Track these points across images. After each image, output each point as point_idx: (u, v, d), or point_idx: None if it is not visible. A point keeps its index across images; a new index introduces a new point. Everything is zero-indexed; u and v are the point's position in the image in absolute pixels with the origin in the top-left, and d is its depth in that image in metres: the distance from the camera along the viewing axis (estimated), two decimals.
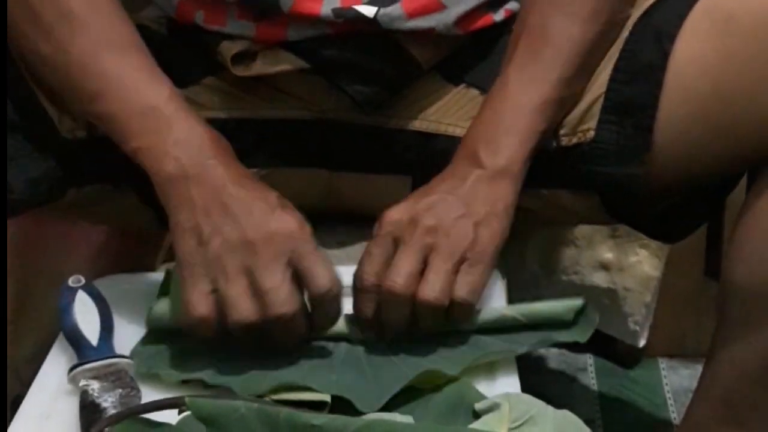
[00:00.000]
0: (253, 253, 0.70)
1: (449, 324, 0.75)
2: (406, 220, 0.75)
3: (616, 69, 0.80)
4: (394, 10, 0.80)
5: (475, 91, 0.85)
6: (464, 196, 0.75)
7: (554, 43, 0.78)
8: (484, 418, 0.68)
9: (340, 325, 0.76)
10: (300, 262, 0.71)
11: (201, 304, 0.71)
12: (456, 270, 0.73)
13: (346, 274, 0.87)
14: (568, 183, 0.84)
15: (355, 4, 0.80)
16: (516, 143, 0.77)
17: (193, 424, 0.65)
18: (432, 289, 0.72)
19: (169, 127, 0.75)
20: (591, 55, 0.80)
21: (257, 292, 0.70)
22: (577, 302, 0.80)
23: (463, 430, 0.67)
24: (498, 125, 0.77)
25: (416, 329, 0.74)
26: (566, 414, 0.70)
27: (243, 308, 0.70)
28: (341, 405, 0.70)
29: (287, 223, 0.72)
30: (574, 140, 0.81)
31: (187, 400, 0.65)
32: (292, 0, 0.79)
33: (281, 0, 0.80)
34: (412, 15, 0.80)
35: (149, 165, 0.74)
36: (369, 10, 0.80)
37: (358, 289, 0.75)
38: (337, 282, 0.72)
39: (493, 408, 0.69)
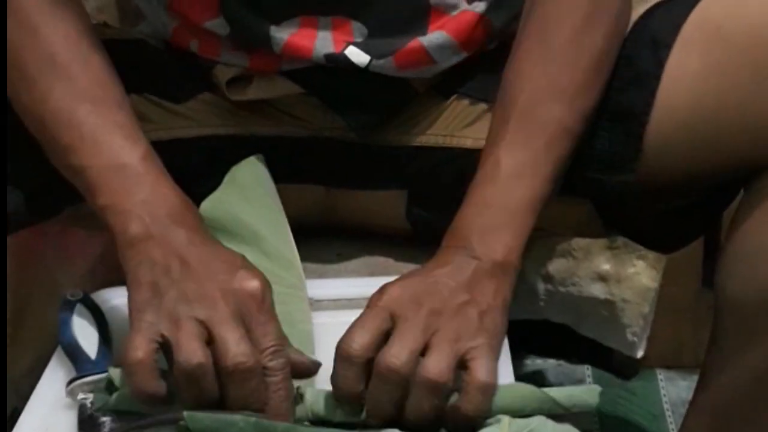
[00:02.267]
0: (211, 307, 0.67)
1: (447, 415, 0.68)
2: (407, 297, 0.70)
3: (611, 76, 0.80)
4: (385, 63, 0.80)
5: (466, 101, 0.85)
6: (466, 285, 0.71)
7: (545, 132, 0.75)
8: (483, 431, 0.68)
9: (320, 404, 0.69)
10: (249, 323, 0.67)
11: (140, 348, 0.65)
12: (459, 356, 0.67)
13: (344, 287, 0.88)
14: (561, 190, 0.84)
15: (348, 42, 0.80)
16: (510, 240, 0.73)
17: None
18: (435, 367, 0.66)
19: (138, 187, 0.72)
20: (576, 143, 0.78)
21: (212, 340, 0.66)
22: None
23: None
24: (491, 220, 0.74)
25: (403, 418, 0.67)
26: (567, 428, 0.69)
27: (191, 350, 0.65)
28: None
29: (249, 282, 0.68)
30: None
31: (185, 414, 0.65)
32: (283, 41, 0.80)
33: (272, 41, 0.80)
34: (402, 68, 0.81)
35: (113, 223, 0.72)
36: (360, 59, 0.80)
37: (344, 358, 0.67)
38: (281, 356, 0.67)
39: (492, 420, 0.68)
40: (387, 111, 0.84)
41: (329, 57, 0.80)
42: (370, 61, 0.80)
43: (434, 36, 0.81)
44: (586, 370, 1.33)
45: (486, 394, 0.66)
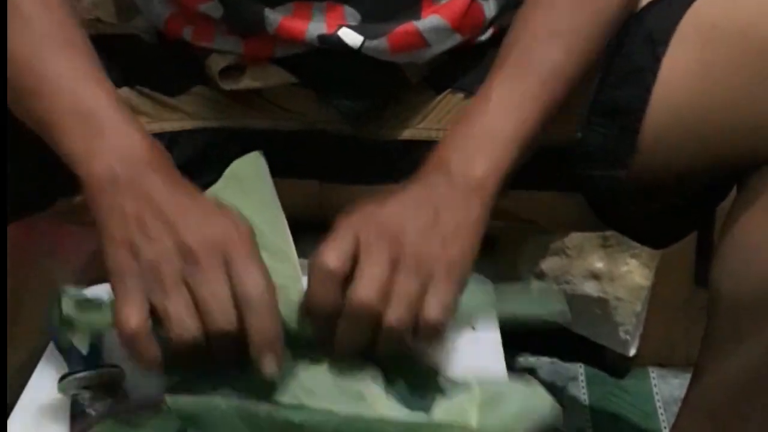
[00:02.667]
0: (192, 262, 0.65)
1: (412, 349, 0.68)
2: (371, 222, 0.68)
3: (606, 71, 0.80)
4: (379, 43, 0.80)
5: (460, 94, 0.85)
6: (434, 205, 0.70)
7: (540, 71, 0.76)
8: (455, 399, 0.68)
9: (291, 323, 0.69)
10: (231, 266, 0.65)
11: (132, 317, 0.64)
12: (422, 289, 0.67)
13: None
14: (554, 184, 0.84)
15: (341, 25, 0.80)
16: (490, 164, 0.72)
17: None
18: (397, 313, 0.65)
19: (103, 133, 0.70)
20: (570, 88, 0.77)
21: (198, 305, 0.65)
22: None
23: (434, 424, 0.66)
24: (475, 143, 0.73)
25: (374, 352, 0.67)
26: (536, 390, 0.70)
27: (185, 324, 0.64)
28: None
29: (225, 226, 0.67)
30: (563, 138, 0.82)
31: (167, 398, 0.65)
32: (277, 22, 0.79)
33: (266, 21, 0.80)
34: (396, 50, 0.81)
35: (79, 169, 0.69)
36: (354, 40, 0.80)
37: (322, 274, 0.66)
38: (268, 289, 0.66)
39: (462, 389, 0.69)
40: (380, 100, 0.84)
41: (322, 38, 0.80)
42: (363, 42, 0.79)
43: (428, 20, 0.80)
44: (579, 368, 1.33)
45: (435, 332, 0.66)
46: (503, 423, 0.66)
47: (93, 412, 0.72)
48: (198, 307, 0.64)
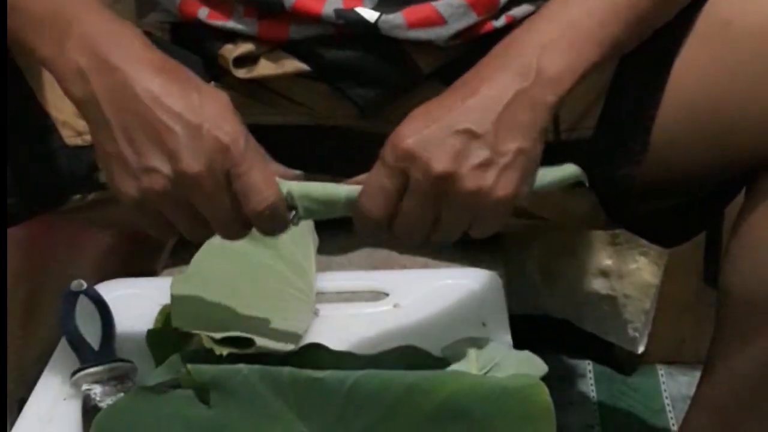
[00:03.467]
0: (192, 187, 0.65)
1: None
2: (421, 156, 0.65)
3: (619, 67, 0.80)
4: (395, 18, 0.80)
5: None
6: (494, 129, 0.65)
7: None
8: (454, 366, 0.71)
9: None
10: (234, 181, 0.65)
11: (158, 232, 0.68)
12: (468, 225, 0.67)
13: (348, 279, 0.88)
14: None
15: (358, 6, 0.80)
16: (573, 57, 0.68)
17: None
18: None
19: (70, 28, 0.67)
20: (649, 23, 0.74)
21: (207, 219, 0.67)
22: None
23: (453, 373, 0.68)
24: (553, 34, 0.68)
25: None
26: (527, 355, 0.73)
27: (192, 234, 0.68)
28: None
29: (216, 140, 0.65)
30: (574, 136, 0.82)
31: (189, 367, 0.65)
32: None
33: None
34: (412, 25, 0.81)
35: (57, 78, 0.67)
36: (371, 15, 0.80)
37: (362, 222, 0.67)
38: (273, 194, 0.66)
39: (460, 356, 0.71)
40: (392, 89, 0.84)
41: (338, 12, 0.79)
42: (380, 16, 0.79)
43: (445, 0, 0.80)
44: (588, 365, 1.33)
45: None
46: None
47: (105, 407, 0.72)
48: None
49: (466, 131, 0.65)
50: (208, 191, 0.65)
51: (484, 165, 0.65)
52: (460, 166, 0.65)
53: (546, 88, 0.67)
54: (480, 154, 0.65)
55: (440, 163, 0.65)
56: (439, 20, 0.81)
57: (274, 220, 0.67)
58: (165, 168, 0.65)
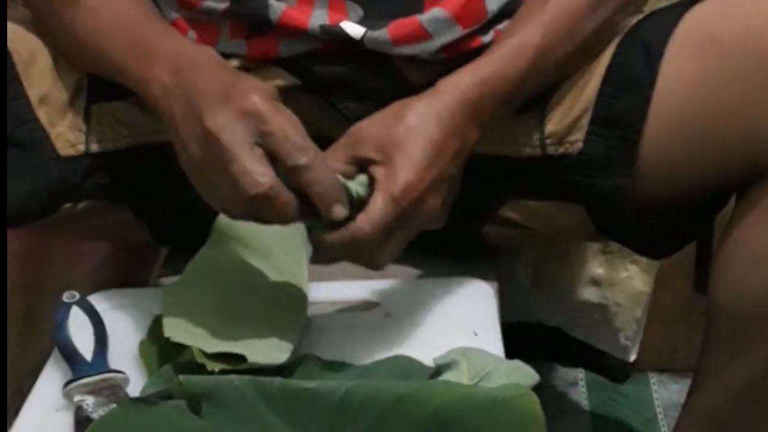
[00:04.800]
0: (215, 143, 0.70)
1: None
2: (427, 202, 0.75)
3: (605, 82, 0.80)
4: (380, 35, 0.81)
5: None
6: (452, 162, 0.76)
7: (549, 7, 0.79)
8: (445, 375, 0.71)
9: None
10: (267, 144, 0.70)
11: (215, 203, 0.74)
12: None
13: (341, 289, 0.88)
14: (554, 194, 0.85)
15: (343, 21, 0.80)
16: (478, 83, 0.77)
17: None
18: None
19: (153, 51, 0.76)
20: (576, 30, 0.80)
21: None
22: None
23: (444, 383, 0.69)
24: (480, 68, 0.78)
25: None
26: (518, 364, 0.74)
27: (229, 199, 0.71)
28: None
29: (249, 104, 0.70)
30: (561, 150, 0.82)
31: (181, 378, 0.66)
32: (280, 10, 0.80)
33: (270, 9, 0.80)
34: (397, 41, 0.81)
35: (144, 96, 0.76)
36: (356, 31, 0.81)
37: (355, 246, 0.73)
38: (309, 150, 0.70)
39: (452, 366, 0.72)
40: (383, 103, 0.84)
41: (324, 28, 0.80)
42: (365, 33, 0.80)
43: (429, 12, 0.81)
44: (580, 373, 1.33)
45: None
46: None
47: (97, 418, 0.72)
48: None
49: (449, 177, 0.76)
50: (228, 142, 0.69)
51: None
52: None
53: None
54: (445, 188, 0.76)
55: (436, 206, 0.75)
56: (424, 35, 0.81)
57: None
58: (198, 131, 0.71)
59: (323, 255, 0.75)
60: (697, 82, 0.77)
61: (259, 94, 0.71)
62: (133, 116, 0.85)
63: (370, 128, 0.76)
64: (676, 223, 0.88)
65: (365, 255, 0.74)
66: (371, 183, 0.74)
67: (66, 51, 0.83)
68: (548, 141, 0.82)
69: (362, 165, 0.75)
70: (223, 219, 0.84)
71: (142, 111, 0.85)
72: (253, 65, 0.83)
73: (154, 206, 0.91)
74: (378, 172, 0.74)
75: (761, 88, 0.74)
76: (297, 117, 0.72)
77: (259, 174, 0.69)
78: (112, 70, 0.79)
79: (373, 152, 0.74)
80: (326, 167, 0.71)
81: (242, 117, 0.70)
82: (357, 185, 0.73)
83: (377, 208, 0.72)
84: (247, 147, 0.69)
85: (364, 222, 0.72)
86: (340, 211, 0.71)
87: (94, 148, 0.85)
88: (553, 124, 0.82)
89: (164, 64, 0.75)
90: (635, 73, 0.79)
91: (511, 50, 0.78)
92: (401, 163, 0.73)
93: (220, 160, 0.70)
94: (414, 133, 0.75)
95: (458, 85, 0.77)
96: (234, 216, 0.73)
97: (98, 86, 0.85)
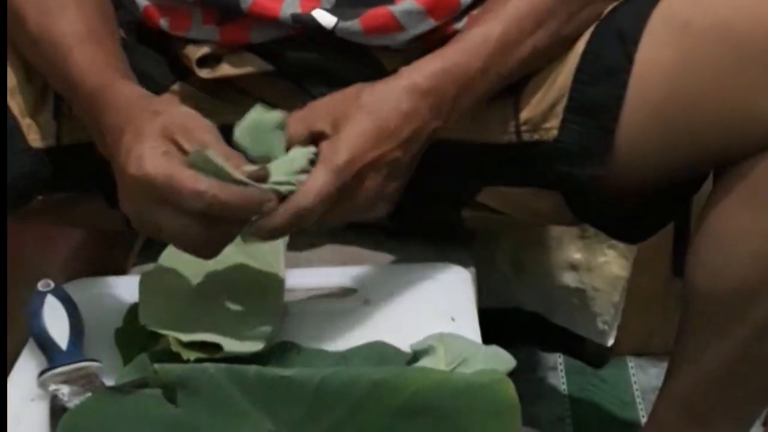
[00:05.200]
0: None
1: None
2: (368, 176, 0.74)
3: (579, 69, 0.80)
4: (352, 25, 0.80)
5: None
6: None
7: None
8: (422, 361, 0.71)
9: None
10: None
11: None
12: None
13: (316, 276, 0.88)
14: (531, 181, 0.85)
15: (315, 8, 0.80)
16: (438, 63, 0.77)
17: None
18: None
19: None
20: (543, 23, 0.79)
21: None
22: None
23: (420, 369, 0.69)
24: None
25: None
26: (495, 350, 0.73)
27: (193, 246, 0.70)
28: None
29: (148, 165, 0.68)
30: (536, 137, 0.82)
31: (156, 366, 0.65)
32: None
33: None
34: (369, 32, 0.81)
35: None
36: (328, 21, 0.80)
37: (296, 217, 0.72)
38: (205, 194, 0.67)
39: (429, 351, 0.72)
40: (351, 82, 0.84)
41: (296, 17, 0.80)
42: (337, 23, 0.80)
43: (402, 3, 0.81)
44: (558, 358, 1.34)
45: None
46: None
47: (73, 407, 0.72)
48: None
49: (395, 160, 0.75)
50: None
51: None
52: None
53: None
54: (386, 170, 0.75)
55: (374, 187, 0.75)
56: (396, 27, 0.81)
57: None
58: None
59: (267, 232, 0.72)
60: (673, 69, 0.77)
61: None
62: None
63: (327, 103, 0.76)
64: (652, 208, 0.88)
65: (305, 225, 0.73)
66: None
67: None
68: (523, 128, 0.82)
69: (315, 138, 0.74)
70: None
71: None
72: (226, 51, 0.83)
73: None
74: (323, 145, 0.74)
75: (736, 73, 0.75)
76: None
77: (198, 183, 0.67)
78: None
79: (325, 125, 0.74)
80: (227, 191, 0.68)
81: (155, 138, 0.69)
82: (302, 156, 0.73)
83: (317, 179, 0.71)
84: (177, 166, 0.68)
85: (303, 195, 0.71)
86: (269, 206, 0.70)
87: (66, 140, 0.85)
88: (528, 111, 0.82)
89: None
90: (610, 61, 0.79)
91: (474, 42, 0.78)
92: (345, 137, 0.73)
93: (157, 196, 0.68)
94: (365, 110, 0.74)
95: (419, 71, 0.76)
96: (206, 252, 0.72)
97: None
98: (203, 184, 0.66)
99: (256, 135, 0.74)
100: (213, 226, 0.68)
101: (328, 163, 0.72)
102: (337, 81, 0.83)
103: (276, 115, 0.74)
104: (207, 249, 0.71)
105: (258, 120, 0.74)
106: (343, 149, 0.72)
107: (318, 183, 0.71)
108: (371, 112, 0.74)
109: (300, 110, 0.76)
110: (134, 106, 0.73)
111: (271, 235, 0.72)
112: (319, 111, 0.75)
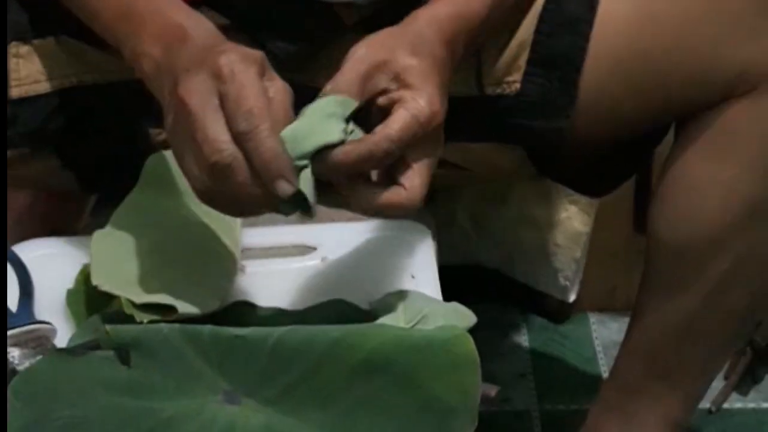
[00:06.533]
0: (185, 113, 0.65)
1: None
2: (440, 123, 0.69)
3: (541, 21, 0.79)
4: None
5: None
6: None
7: None
8: (382, 319, 0.71)
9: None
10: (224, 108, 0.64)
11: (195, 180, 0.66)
12: None
13: (275, 235, 0.87)
14: (493, 136, 0.84)
15: None
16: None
17: None
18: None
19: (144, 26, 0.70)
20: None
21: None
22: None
23: (378, 326, 0.68)
24: None
25: None
26: (455, 306, 0.73)
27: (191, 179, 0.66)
28: None
29: (216, 65, 0.65)
30: (498, 90, 0.81)
31: (107, 328, 0.64)
32: None
33: None
34: None
35: (136, 69, 0.71)
36: None
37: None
38: (254, 118, 0.64)
39: (388, 309, 0.72)
40: (314, 42, 0.82)
41: None
42: None
43: None
44: (520, 315, 1.34)
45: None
46: None
47: (23, 370, 0.70)
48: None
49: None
50: (197, 108, 0.64)
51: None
52: None
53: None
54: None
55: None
56: None
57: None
58: (172, 98, 0.66)
59: (331, 165, 0.66)
60: (635, 20, 0.77)
61: (230, 56, 0.65)
62: (55, 56, 0.82)
63: (370, 58, 0.69)
64: (614, 162, 0.88)
65: (372, 166, 0.67)
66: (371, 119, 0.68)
67: None
68: (485, 81, 0.81)
69: (373, 98, 0.69)
70: (152, 163, 0.82)
71: (63, 50, 0.82)
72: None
73: (81, 153, 0.88)
74: (398, 94, 0.68)
75: (698, 24, 0.75)
76: (288, 87, 0.67)
77: (222, 141, 0.63)
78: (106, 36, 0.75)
79: (385, 82, 0.68)
80: (272, 139, 0.64)
81: (208, 79, 0.65)
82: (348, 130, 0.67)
83: (398, 120, 0.66)
84: (212, 111, 0.64)
85: (382, 135, 0.65)
86: (284, 187, 0.64)
87: (15, 93, 0.82)
88: (490, 64, 0.81)
89: (154, 41, 0.70)
90: (573, 12, 0.78)
91: None
92: (424, 89, 0.67)
93: (186, 126, 0.65)
94: (426, 60, 0.69)
95: (437, 21, 0.72)
96: (200, 190, 0.67)
97: (13, 25, 0.82)
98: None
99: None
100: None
101: (409, 110, 0.66)
102: (294, 35, 0.81)
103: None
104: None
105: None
106: (424, 101, 0.67)
107: (398, 122, 0.66)
108: (433, 62, 0.69)
109: (341, 77, 0.69)
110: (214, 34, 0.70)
111: (334, 169, 0.66)
112: (368, 70, 0.69)
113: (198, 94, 0.64)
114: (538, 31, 0.79)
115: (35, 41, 0.83)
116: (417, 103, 0.66)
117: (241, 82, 0.64)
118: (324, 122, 0.66)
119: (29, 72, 0.82)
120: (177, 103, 0.65)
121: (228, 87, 0.64)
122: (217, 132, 0.63)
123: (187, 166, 0.66)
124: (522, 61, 0.80)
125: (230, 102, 0.64)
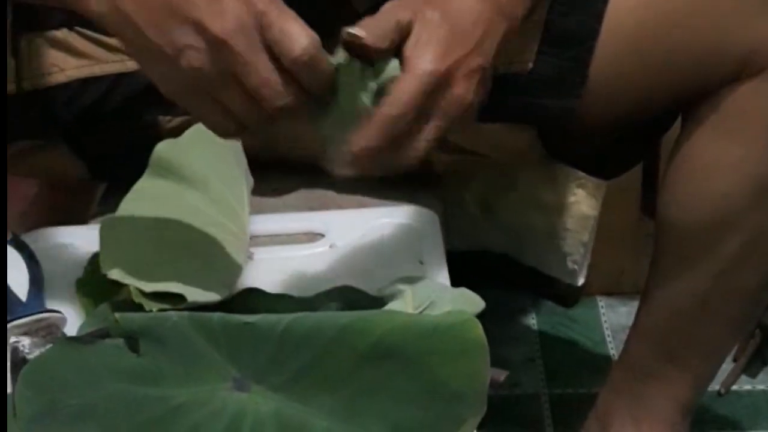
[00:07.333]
0: (228, 52, 0.62)
1: None
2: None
3: (555, 0, 0.79)
4: None
5: None
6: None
7: None
8: (390, 305, 0.71)
9: None
10: (266, 32, 0.62)
11: (219, 123, 0.65)
12: None
13: (282, 221, 0.87)
14: (505, 115, 0.83)
15: None
16: None
17: None
18: None
19: None
20: None
21: (252, 93, 0.63)
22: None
23: (386, 312, 0.68)
24: None
25: None
26: (463, 291, 0.73)
27: (247, 116, 0.64)
28: None
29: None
30: (512, 69, 0.81)
31: (117, 316, 0.64)
32: None
33: None
34: None
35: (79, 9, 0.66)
36: None
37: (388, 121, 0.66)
38: (311, 43, 0.64)
39: (396, 295, 0.72)
40: (326, 29, 0.82)
41: None
42: None
43: None
44: (528, 299, 1.34)
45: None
46: None
47: (33, 359, 0.71)
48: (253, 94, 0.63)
49: (479, 67, 0.67)
50: (244, 49, 0.61)
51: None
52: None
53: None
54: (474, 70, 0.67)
55: (462, 88, 0.66)
56: None
57: (312, 68, 0.64)
58: (197, 41, 0.61)
59: (362, 147, 0.66)
60: (647, 0, 0.76)
61: None
62: (67, 48, 0.82)
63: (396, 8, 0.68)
64: (623, 146, 0.87)
65: (398, 145, 0.66)
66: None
67: None
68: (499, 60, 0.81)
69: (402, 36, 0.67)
70: (160, 150, 0.82)
71: (81, 42, 0.82)
72: None
73: (92, 142, 0.88)
74: (406, 50, 0.67)
75: (708, 5, 0.75)
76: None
77: (279, 84, 0.62)
78: None
79: (411, 13, 0.67)
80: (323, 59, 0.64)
81: (248, 17, 0.62)
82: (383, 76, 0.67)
83: (402, 85, 0.65)
84: (264, 53, 0.62)
85: (388, 103, 0.65)
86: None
87: (27, 85, 0.82)
88: None
89: None
90: None
91: None
92: (427, 41, 0.66)
93: (234, 69, 0.62)
94: (444, 14, 0.67)
95: None
96: (248, 125, 0.65)
97: (26, 17, 0.82)
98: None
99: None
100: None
101: (413, 69, 0.65)
102: (306, 21, 0.81)
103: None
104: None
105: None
106: (426, 54, 0.65)
107: (404, 88, 0.65)
108: (446, 15, 0.67)
109: (371, 21, 0.69)
110: None
111: (368, 151, 0.65)
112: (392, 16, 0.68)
113: (242, 36, 0.62)
114: (551, 10, 0.79)
115: (47, 33, 0.83)
116: (418, 61, 0.66)
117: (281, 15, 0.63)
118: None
119: (41, 64, 0.83)
120: (217, 45, 0.62)
121: (269, 18, 0.63)
122: (274, 74, 0.62)
123: (221, 112, 0.64)
124: (535, 41, 0.80)
125: (275, 36, 0.63)
